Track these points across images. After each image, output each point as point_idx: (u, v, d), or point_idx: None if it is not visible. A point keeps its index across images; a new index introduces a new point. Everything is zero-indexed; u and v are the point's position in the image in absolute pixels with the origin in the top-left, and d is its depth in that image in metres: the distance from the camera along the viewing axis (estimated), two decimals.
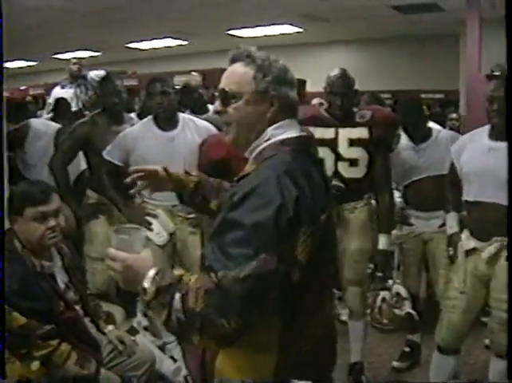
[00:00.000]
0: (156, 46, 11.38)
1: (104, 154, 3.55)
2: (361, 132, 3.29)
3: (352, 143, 3.30)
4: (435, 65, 9.84)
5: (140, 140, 3.46)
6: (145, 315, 3.74)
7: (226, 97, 1.58)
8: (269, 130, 1.58)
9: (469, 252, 2.91)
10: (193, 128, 3.49)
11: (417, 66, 10.05)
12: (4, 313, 2.22)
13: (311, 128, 3.31)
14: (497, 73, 7.66)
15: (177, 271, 1.46)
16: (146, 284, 1.42)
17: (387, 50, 10.58)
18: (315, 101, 5.33)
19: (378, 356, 3.91)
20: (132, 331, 3.41)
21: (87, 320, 2.66)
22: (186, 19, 8.99)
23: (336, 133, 3.31)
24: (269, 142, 1.58)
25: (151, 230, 3.42)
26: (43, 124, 4.54)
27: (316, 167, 1.58)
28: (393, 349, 3.94)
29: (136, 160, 3.46)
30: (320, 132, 3.27)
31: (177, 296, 1.38)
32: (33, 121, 4.72)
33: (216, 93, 1.65)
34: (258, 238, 1.37)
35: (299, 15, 8.88)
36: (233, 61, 1.62)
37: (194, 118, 3.69)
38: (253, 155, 1.62)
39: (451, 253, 3.07)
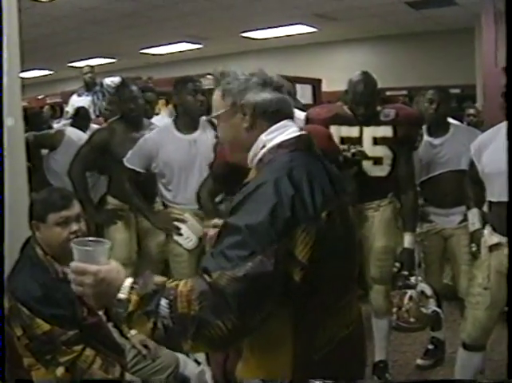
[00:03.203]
0: (171, 51, 11.42)
1: (125, 161, 3.56)
2: (386, 131, 3.28)
3: (377, 141, 3.29)
4: (451, 60, 9.77)
5: (162, 144, 3.46)
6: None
7: (214, 123, 1.69)
8: (263, 137, 1.61)
9: (492, 248, 2.88)
10: (212, 130, 3.49)
11: (433, 62, 9.98)
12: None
13: (335, 127, 3.39)
14: None
15: (158, 278, 1.42)
16: (122, 295, 1.37)
17: (402, 47, 10.53)
18: None
19: (402, 353, 3.90)
20: None
21: (110, 325, 2.67)
22: (200, 23, 9.02)
23: (361, 132, 3.30)
24: (266, 148, 1.60)
25: (180, 235, 3.43)
26: (77, 136, 4.49)
27: (318, 165, 1.58)
28: (417, 346, 3.92)
29: (159, 165, 3.47)
30: (345, 131, 3.28)
31: (163, 302, 1.35)
32: (68, 130, 4.69)
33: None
34: (254, 239, 1.38)
35: (313, 15, 8.87)
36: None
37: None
38: (254, 163, 1.64)
39: (474, 249, 3.05)
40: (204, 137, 3.45)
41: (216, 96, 1.67)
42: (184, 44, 10.92)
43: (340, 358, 1.59)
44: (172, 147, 3.44)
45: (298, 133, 1.63)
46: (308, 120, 3.84)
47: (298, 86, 8.14)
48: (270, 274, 1.37)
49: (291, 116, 1.67)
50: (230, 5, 8.03)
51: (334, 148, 3.15)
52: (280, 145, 1.59)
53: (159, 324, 1.35)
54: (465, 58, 9.34)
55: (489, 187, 2.91)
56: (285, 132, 1.61)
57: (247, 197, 1.46)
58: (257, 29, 9.81)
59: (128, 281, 1.39)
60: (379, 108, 3.33)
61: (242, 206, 1.45)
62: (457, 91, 9.31)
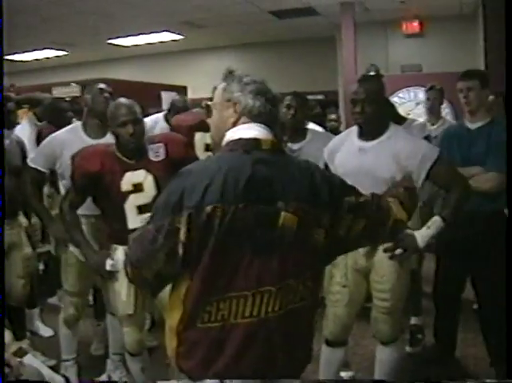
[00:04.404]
0: (36, 57, 11.06)
1: (29, 161, 3.46)
2: None
3: None
4: (316, 67, 10.12)
5: (68, 145, 3.34)
6: None
7: (208, 109, 1.95)
8: (228, 133, 1.80)
9: None
10: None
11: (298, 69, 10.30)
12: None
13: (201, 133, 3.40)
14: (372, 73, 7.99)
15: None
16: None
17: (268, 54, 10.78)
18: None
19: None
20: (20, 352, 3.30)
21: None
22: (65, 29, 8.81)
23: None
24: (223, 143, 1.81)
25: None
26: None
27: (244, 167, 1.69)
28: None
29: (62, 166, 3.36)
30: (210, 138, 3.31)
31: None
32: None
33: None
34: (154, 213, 1.73)
35: (179, 22, 8.91)
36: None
37: None
38: None
39: None
40: None
41: (219, 89, 1.87)
42: (50, 51, 10.62)
43: (241, 339, 1.69)
44: (76, 150, 3.33)
45: (249, 136, 1.77)
46: (173, 127, 3.86)
47: (163, 93, 8.17)
48: (151, 240, 1.69)
49: (268, 123, 1.81)
50: (96, 12, 7.91)
51: (191, 155, 3.16)
52: (227, 143, 1.78)
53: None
54: (328, 65, 9.72)
55: None
56: (244, 132, 1.78)
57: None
58: (124, 36, 9.71)
59: None
60: None
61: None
62: (321, 97, 9.68)
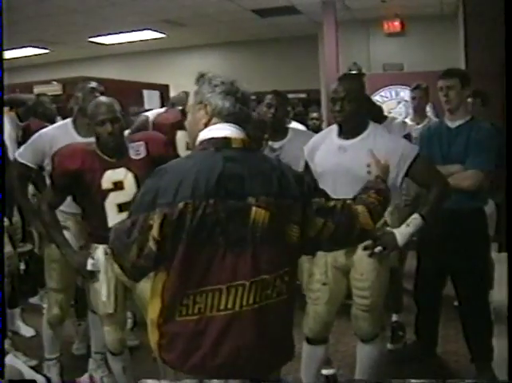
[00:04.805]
0: (16, 56, 10.96)
1: (17, 156, 3.43)
2: None
3: None
4: (297, 66, 10.13)
5: (58, 142, 3.29)
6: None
7: (184, 112, 2.00)
8: (201, 133, 1.87)
9: None
10: None
11: (280, 68, 10.30)
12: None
13: (182, 132, 3.39)
14: (354, 72, 8.03)
15: None
16: None
17: (250, 53, 10.79)
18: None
19: None
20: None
21: None
22: (47, 27, 8.74)
23: None
24: (197, 142, 1.89)
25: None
26: None
27: (214, 164, 1.77)
28: None
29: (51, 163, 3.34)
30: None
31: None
32: None
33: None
34: (132, 207, 1.83)
35: (160, 21, 8.88)
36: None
37: None
38: None
39: None
40: None
41: (192, 92, 1.95)
42: (30, 49, 10.53)
43: (217, 331, 1.75)
44: None
45: (220, 135, 1.85)
46: (155, 125, 3.85)
47: (146, 92, 8.15)
48: (127, 232, 1.77)
49: (240, 122, 1.89)
50: (76, 10, 7.85)
51: (171, 153, 3.15)
52: (200, 143, 1.87)
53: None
54: (310, 64, 9.73)
55: (321, 185, 3.03)
56: (216, 132, 1.85)
57: None
58: (106, 35, 9.66)
59: None
60: None
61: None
62: (303, 95, 9.69)
